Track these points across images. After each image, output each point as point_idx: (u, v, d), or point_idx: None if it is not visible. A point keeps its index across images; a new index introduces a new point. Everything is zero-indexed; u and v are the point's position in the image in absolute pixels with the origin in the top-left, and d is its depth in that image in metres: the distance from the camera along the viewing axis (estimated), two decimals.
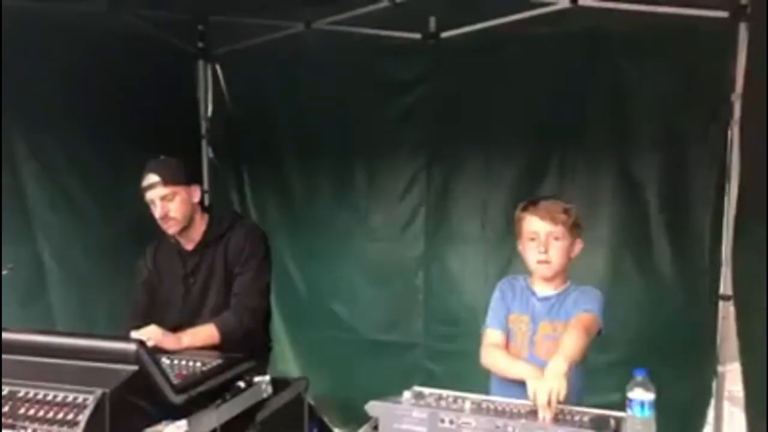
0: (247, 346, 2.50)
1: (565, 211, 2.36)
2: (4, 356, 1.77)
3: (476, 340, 2.47)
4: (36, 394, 1.67)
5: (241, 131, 4.28)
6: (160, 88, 3.75)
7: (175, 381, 1.86)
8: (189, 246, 2.83)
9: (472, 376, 2.49)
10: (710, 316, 3.33)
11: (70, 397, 1.64)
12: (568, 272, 2.43)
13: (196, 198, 2.80)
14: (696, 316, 3.37)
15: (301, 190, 4.15)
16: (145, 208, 2.75)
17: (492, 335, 2.41)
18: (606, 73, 3.47)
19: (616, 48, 3.44)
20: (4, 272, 2.49)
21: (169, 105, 3.82)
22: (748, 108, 2.98)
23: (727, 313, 3.25)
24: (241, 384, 2.02)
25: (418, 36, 3.78)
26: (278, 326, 4.00)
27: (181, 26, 3.96)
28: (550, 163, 3.63)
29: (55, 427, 1.60)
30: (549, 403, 1.92)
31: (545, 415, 1.92)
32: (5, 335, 1.83)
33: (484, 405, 2.01)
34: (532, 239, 2.37)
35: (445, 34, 3.74)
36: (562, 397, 1.93)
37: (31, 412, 1.65)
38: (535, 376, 2.03)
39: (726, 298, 3.26)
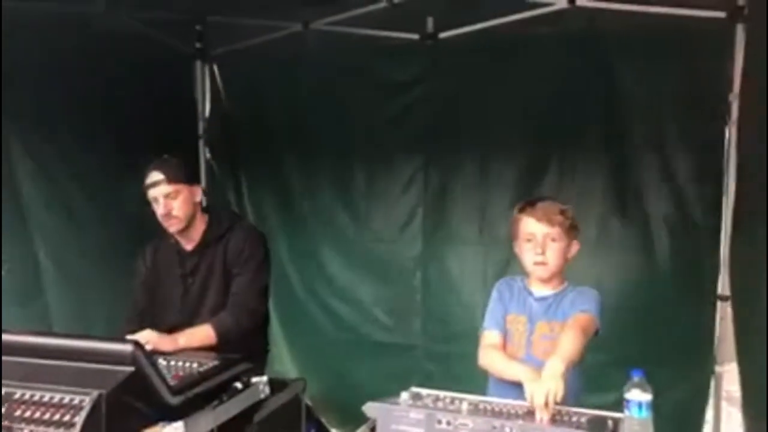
0: (244, 350, 2.47)
1: (562, 213, 2.36)
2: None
3: (474, 340, 2.47)
4: (32, 396, 1.66)
5: (238, 132, 4.27)
6: (158, 88, 3.75)
7: (172, 382, 1.86)
8: (188, 246, 2.83)
9: (469, 377, 2.49)
10: (708, 316, 3.33)
11: (67, 399, 1.63)
12: (565, 272, 2.43)
13: (198, 198, 2.80)
14: (694, 316, 3.37)
15: (298, 191, 4.14)
16: (141, 208, 2.74)
17: (489, 336, 2.41)
18: (604, 74, 3.47)
19: (614, 48, 3.44)
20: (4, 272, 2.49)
21: (167, 105, 3.82)
22: (746, 108, 2.99)
23: (725, 313, 3.26)
24: (238, 385, 2.01)
25: (416, 36, 3.78)
26: (275, 326, 3.98)
27: (178, 26, 3.96)
28: (548, 163, 3.63)
29: (51, 429, 1.60)
30: (546, 404, 1.91)
31: (542, 416, 1.92)
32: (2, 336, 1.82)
33: (481, 406, 2.01)
34: (529, 240, 2.36)
35: (443, 35, 3.74)
36: (559, 398, 1.93)
37: (28, 413, 1.64)
38: (532, 378, 2.03)
39: (724, 298, 3.26)
